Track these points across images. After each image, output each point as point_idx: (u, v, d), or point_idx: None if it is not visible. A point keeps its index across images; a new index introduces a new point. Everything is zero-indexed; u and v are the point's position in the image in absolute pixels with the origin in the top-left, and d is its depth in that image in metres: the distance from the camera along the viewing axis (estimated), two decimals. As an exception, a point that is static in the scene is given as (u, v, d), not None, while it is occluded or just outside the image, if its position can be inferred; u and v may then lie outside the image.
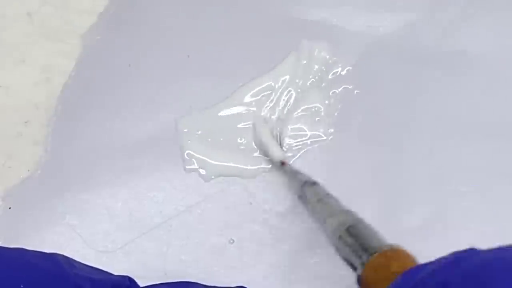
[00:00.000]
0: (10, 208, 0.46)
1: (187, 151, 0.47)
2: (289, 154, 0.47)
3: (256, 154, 0.47)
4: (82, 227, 0.45)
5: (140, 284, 0.37)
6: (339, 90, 0.48)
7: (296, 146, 0.47)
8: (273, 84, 0.49)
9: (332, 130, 0.47)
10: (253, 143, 0.47)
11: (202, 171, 0.46)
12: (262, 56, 0.50)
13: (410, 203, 0.44)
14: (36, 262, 0.31)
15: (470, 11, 0.51)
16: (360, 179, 0.44)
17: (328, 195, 0.41)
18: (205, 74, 0.50)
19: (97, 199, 0.46)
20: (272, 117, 0.48)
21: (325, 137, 0.47)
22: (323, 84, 0.49)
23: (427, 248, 0.42)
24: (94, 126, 0.49)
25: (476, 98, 0.47)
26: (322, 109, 0.48)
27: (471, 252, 0.28)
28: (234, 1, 0.53)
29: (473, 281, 0.26)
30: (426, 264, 0.30)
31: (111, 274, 0.36)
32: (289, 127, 0.47)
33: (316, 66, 0.49)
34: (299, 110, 0.48)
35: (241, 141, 0.47)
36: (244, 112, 0.48)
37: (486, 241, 0.43)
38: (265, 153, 0.46)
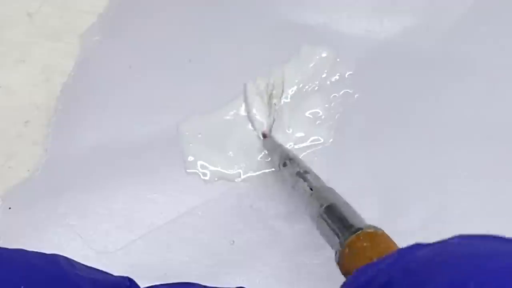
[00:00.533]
0: (10, 208, 0.46)
1: (188, 154, 0.47)
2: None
3: (259, 157, 0.47)
4: (82, 227, 0.45)
5: (140, 284, 0.37)
6: (340, 94, 0.48)
7: (296, 150, 0.47)
8: (274, 88, 0.49)
9: (332, 134, 0.47)
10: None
11: (203, 174, 0.46)
12: (263, 60, 0.50)
13: (410, 204, 0.44)
14: (36, 262, 0.31)
15: (471, 15, 0.51)
16: (360, 182, 0.44)
17: (307, 172, 0.41)
18: (206, 77, 0.50)
19: (97, 199, 0.46)
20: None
21: (325, 141, 0.47)
22: (324, 88, 0.49)
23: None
24: (94, 126, 0.49)
25: (476, 101, 0.48)
26: (323, 113, 0.48)
27: (415, 248, 0.27)
28: (235, 5, 0.53)
29: (414, 278, 0.25)
30: (375, 263, 0.29)
31: (111, 274, 0.36)
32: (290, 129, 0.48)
33: (317, 71, 0.49)
34: (299, 114, 0.48)
35: (242, 144, 0.47)
36: (245, 116, 0.48)
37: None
38: (252, 125, 0.47)
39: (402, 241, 0.41)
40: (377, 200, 0.43)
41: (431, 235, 0.43)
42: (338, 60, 0.49)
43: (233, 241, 0.44)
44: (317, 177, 0.41)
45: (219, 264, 0.43)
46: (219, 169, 0.46)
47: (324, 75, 0.49)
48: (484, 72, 0.49)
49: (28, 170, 0.47)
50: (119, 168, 0.47)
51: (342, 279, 0.42)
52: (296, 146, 0.47)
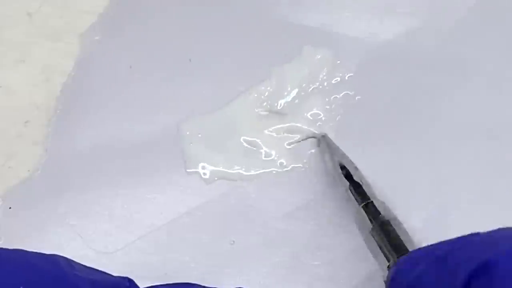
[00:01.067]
0: (10, 208, 0.46)
1: (189, 154, 0.47)
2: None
3: (259, 157, 0.47)
4: (82, 227, 0.45)
5: (140, 285, 0.37)
6: (340, 95, 0.48)
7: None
8: (274, 89, 0.49)
9: (333, 136, 0.47)
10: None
11: (203, 174, 0.46)
12: (263, 61, 0.50)
13: (410, 205, 0.44)
14: (36, 262, 0.31)
15: (471, 16, 0.51)
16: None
17: (362, 181, 0.41)
18: (207, 77, 0.50)
19: (97, 199, 0.46)
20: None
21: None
22: (324, 90, 0.49)
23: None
24: (94, 126, 0.49)
25: (477, 102, 0.48)
26: (323, 115, 0.48)
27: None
28: (236, 6, 0.53)
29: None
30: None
31: (110, 275, 0.36)
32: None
33: (318, 72, 0.49)
34: (299, 116, 0.48)
35: (242, 144, 0.47)
36: (245, 116, 0.48)
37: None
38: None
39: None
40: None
41: (431, 235, 0.43)
42: (338, 62, 0.49)
43: (233, 241, 0.44)
44: (369, 187, 0.41)
45: (219, 264, 0.43)
46: (219, 168, 0.46)
47: (324, 77, 0.49)
48: (486, 73, 0.49)
49: (28, 170, 0.47)
50: (119, 168, 0.47)
51: (343, 279, 0.42)
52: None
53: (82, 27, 0.53)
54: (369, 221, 0.38)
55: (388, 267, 0.35)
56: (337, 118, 0.48)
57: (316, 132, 0.47)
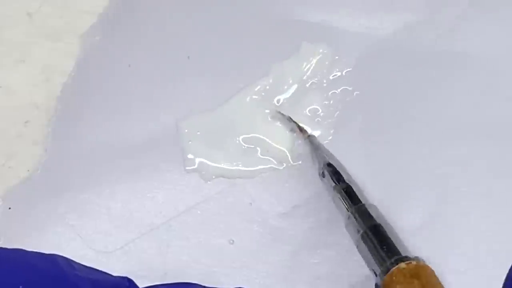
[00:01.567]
0: (10, 208, 0.46)
1: (188, 152, 0.47)
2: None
3: (258, 155, 0.47)
4: (82, 227, 0.45)
5: (140, 284, 0.37)
6: (339, 91, 0.48)
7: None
8: (274, 85, 0.49)
9: (331, 131, 0.47)
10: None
11: (203, 172, 0.46)
12: (262, 58, 0.50)
13: (410, 203, 0.44)
14: (35, 262, 0.31)
15: (470, 11, 0.51)
16: (360, 179, 0.44)
17: (350, 183, 0.40)
18: (205, 75, 0.50)
19: (97, 199, 0.46)
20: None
21: (324, 138, 0.47)
22: (323, 86, 0.49)
23: (427, 248, 0.42)
24: (94, 126, 0.49)
25: (476, 98, 0.47)
26: (322, 111, 0.48)
27: None
28: (234, 2, 0.53)
29: None
30: None
31: (110, 274, 0.36)
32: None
33: (316, 68, 0.49)
34: (298, 112, 0.48)
35: (241, 142, 0.47)
36: (244, 113, 0.48)
37: (486, 242, 0.43)
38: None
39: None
40: (377, 199, 0.43)
41: (431, 235, 0.43)
42: (337, 57, 0.49)
43: (233, 241, 0.44)
44: (360, 191, 0.39)
45: (219, 264, 0.43)
46: (218, 166, 0.46)
47: (323, 72, 0.49)
48: (485, 69, 0.48)
49: (28, 170, 0.47)
50: (119, 167, 0.47)
51: (343, 277, 0.42)
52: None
53: (82, 27, 0.53)
54: (360, 226, 0.37)
55: (381, 272, 0.34)
56: (336, 114, 0.48)
57: (308, 132, 0.46)
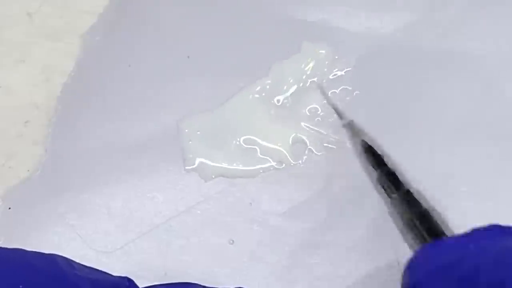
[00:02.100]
0: (10, 208, 0.46)
1: (188, 151, 0.47)
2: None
3: (258, 154, 0.47)
4: (82, 227, 0.45)
5: (140, 284, 0.37)
6: (339, 91, 0.48)
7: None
8: (274, 85, 0.49)
9: (331, 131, 0.47)
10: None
11: (203, 172, 0.46)
12: (262, 57, 0.50)
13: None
14: (35, 262, 0.31)
15: (471, 11, 0.51)
16: (360, 179, 0.44)
17: (394, 168, 0.39)
18: (206, 75, 0.50)
19: (97, 199, 0.46)
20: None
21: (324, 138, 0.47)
22: (323, 85, 0.49)
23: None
24: (94, 126, 0.49)
25: (477, 98, 0.47)
26: (322, 110, 0.48)
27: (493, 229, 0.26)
28: (234, 2, 0.52)
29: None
30: (452, 242, 0.28)
31: (110, 274, 0.36)
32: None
33: (316, 67, 0.49)
34: (298, 111, 0.48)
35: (241, 142, 0.47)
36: (245, 113, 0.48)
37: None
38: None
39: (402, 241, 0.41)
40: (376, 198, 0.43)
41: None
42: (336, 57, 0.49)
43: (233, 241, 0.44)
44: (403, 176, 0.39)
45: (219, 264, 0.43)
46: (218, 166, 0.46)
47: (323, 72, 0.49)
48: (485, 68, 0.48)
49: (28, 170, 0.47)
50: (119, 167, 0.47)
51: (342, 278, 0.42)
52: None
53: (82, 27, 0.53)
54: (408, 210, 0.37)
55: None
56: (335, 114, 0.48)
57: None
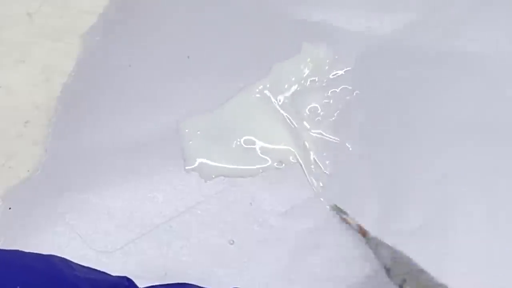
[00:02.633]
0: (10, 208, 0.46)
1: (188, 152, 0.47)
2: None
3: (258, 154, 0.47)
4: (82, 227, 0.45)
5: (139, 285, 0.37)
6: (339, 90, 0.48)
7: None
8: (274, 85, 0.49)
9: (332, 131, 0.47)
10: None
11: (203, 172, 0.46)
12: (262, 57, 0.50)
13: (410, 203, 0.44)
14: (34, 264, 0.31)
15: (471, 11, 0.51)
16: (360, 179, 0.44)
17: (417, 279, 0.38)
18: (206, 75, 0.50)
19: (97, 199, 0.46)
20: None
21: (324, 137, 0.47)
22: (323, 85, 0.49)
23: (427, 249, 0.42)
24: (94, 126, 0.49)
25: (476, 98, 0.47)
26: (322, 109, 0.48)
27: None
28: (234, 3, 0.52)
29: None
30: None
31: (109, 274, 0.36)
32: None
33: (316, 67, 0.49)
34: (299, 111, 0.48)
35: (241, 142, 0.47)
36: (245, 113, 0.48)
37: (486, 242, 0.43)
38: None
39: (403, 241, 0.41)
40: (376, 198, 0.43)
41: (431, 235, 0.43)
42: (337, 57, 0.49)
43: (233, 241, 0.44)
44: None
45: (219, 264, 0.43)
46: (218, 165, 0.46)
47: (323, 72, 0.49)
48: (485, 68, 0.49)
49: (28, 170, 0.47)
50: (119, 167, 0.47)
51: (342, 278, 0.42)
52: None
53: (82, 27, 0.53)
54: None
55: None
56: (336, 113, 0.48)
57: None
